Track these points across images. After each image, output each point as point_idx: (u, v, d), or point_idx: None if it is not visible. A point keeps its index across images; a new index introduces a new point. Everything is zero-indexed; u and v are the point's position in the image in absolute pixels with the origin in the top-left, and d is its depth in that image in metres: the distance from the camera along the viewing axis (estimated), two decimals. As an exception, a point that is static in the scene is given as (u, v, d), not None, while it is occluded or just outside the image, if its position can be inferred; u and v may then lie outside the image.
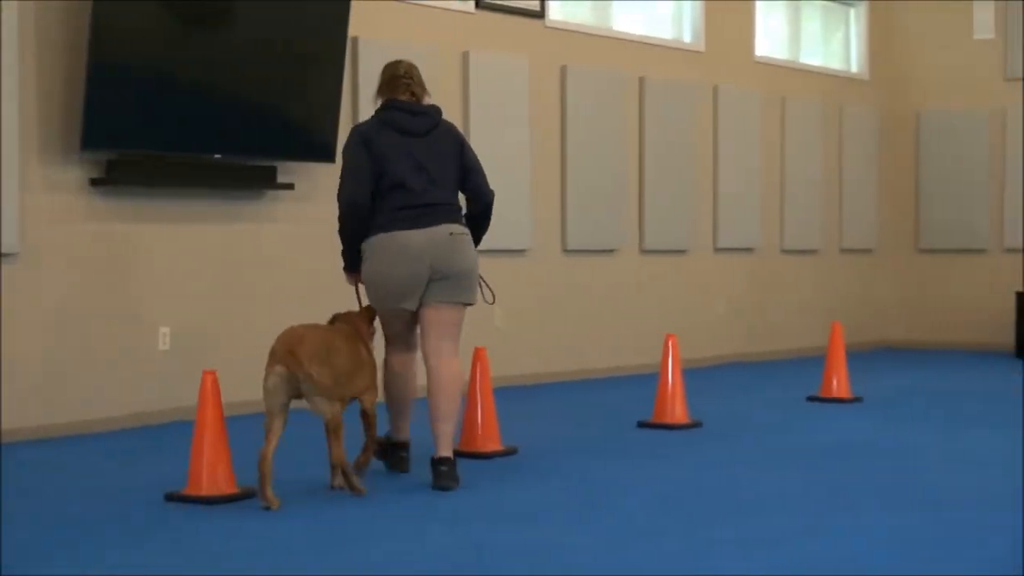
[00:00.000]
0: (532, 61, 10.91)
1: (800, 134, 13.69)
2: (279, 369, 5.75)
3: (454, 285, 6.29)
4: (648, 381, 9.37)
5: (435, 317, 6.28)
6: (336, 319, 6.32)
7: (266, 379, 5.79)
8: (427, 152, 6.33)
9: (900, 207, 14.91)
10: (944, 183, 14.60)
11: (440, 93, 10.16)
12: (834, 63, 14.48)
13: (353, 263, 6.40)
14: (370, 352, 6.22)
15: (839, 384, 9.61)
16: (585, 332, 11.40)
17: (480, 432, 7.12)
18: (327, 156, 9.05)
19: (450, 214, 6.33)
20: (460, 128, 10.29)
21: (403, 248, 6.21)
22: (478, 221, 6.52)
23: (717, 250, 12.73)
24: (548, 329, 11.10)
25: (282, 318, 9.11)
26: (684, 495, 6.11)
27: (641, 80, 11.94)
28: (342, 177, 6.36)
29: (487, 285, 6.64)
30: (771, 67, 13.43)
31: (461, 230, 6.33)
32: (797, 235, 13.68)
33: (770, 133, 13.35)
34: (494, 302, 6.71)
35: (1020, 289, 13.69)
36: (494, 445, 7.14)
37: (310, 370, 5.71)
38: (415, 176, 6.27)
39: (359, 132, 6.37)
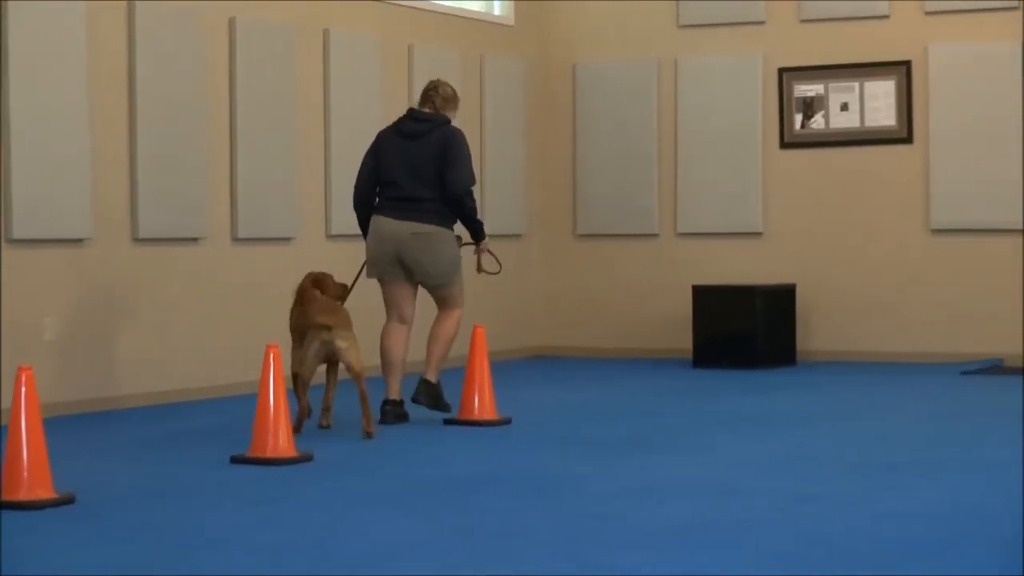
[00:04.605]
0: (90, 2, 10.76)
1: (431, 92, 13.90)
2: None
3: (421, 274, 9.84)
4: (247, 404, 9.36)
5: (426, 292, 10.02)
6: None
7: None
8: (419, 153, 9.82)
9: (554, 182, 15.33)
10: (607, 152, 15.05)
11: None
12: (473, 4, 14.77)
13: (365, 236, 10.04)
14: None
15: (482, 403, 9.85)
16: (163, 342, 11.29)
17: (26, 475, 6.99)
18: None
19: (422, 212, 9.78)
20: None
21: (380, 231, 9.83)
22: (453, 212, 9.90)
23: (330, 237, 12.83)
24: (114, 339, 10.96)
25: None
26: (294, 545, 6.16)
27: (231, 22, 11.94)
28: (358, 171, 10.07)
29: (494, 256, 10.20)
30: (394, 7, 13.61)
31: (425, 229, 9.75)
32: (429, 218, 13.87)
33: (394, 90, 13.51)
34: (499, 271, 10.35)
35: (697, 282, 14.24)
36: (44, 491, 7.02)
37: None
38: (403, 173, 9.83)
39: (377, 136, 10.12)
